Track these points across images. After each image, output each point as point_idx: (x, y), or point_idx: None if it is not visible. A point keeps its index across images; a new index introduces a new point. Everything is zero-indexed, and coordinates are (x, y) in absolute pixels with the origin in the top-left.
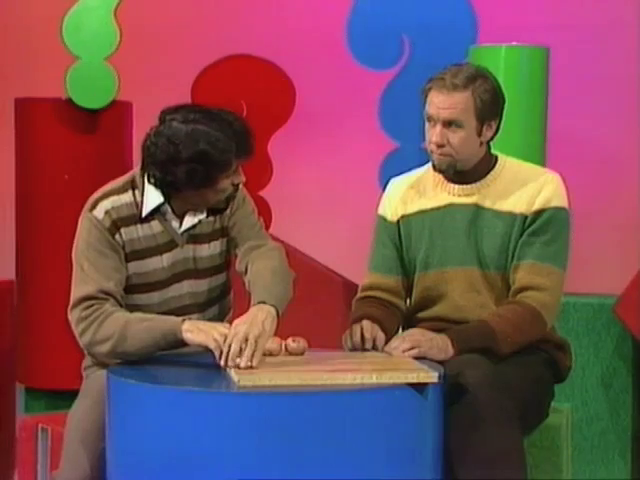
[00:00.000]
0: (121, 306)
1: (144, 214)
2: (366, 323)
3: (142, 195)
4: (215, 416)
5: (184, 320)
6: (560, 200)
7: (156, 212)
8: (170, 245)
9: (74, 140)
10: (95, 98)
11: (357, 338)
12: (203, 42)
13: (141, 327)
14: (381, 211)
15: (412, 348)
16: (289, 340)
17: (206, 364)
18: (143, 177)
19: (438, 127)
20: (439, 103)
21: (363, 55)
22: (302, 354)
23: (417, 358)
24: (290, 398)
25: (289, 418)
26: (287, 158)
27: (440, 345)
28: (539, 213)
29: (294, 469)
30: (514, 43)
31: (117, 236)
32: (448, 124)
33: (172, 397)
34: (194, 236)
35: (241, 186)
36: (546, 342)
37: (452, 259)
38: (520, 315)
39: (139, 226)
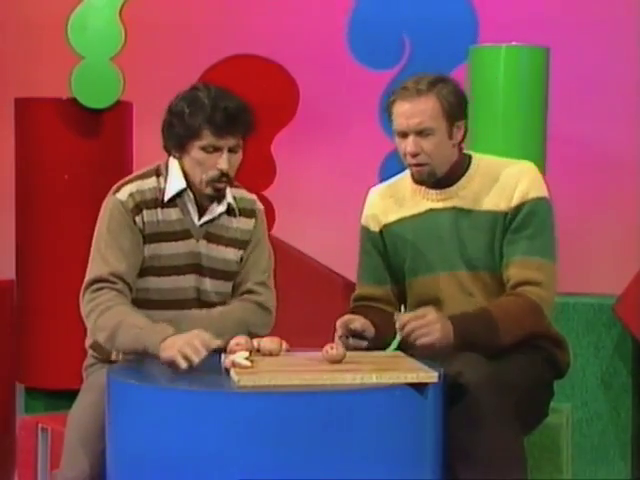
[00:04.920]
0: (130, 290)
1: (166, 198)
2: (356, 316)
3: (165, 182)
4: (215, 416)
5: (166, 338)
6: (538, 190)
7: (178, 198)
8: (185, 234)
9: (74, 140)
10: (100, 98)
11: (339, 333)
12: (207, 42)
13: (130, 333)
14: (364, 222)
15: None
16: (327, 347)
17: (206, 364)
18: (167, 164)
19: (411, 137)
20: (406, 112)
21: (363, 55)
22: (340, 361)
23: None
24: (290, 398)
25: (289, 418)
26: (286, 158)
27: (444, 334)
28: (519, 208)
29: (294, 469)
30: (514, 43)
31: (138, 218)
32: (419, 133)
33: (172, 397)
34: (214, 235)
35: (263, 221)
36: (544, 339)
37: (439, 265)
38: (521, 307)
39: (159, 210)
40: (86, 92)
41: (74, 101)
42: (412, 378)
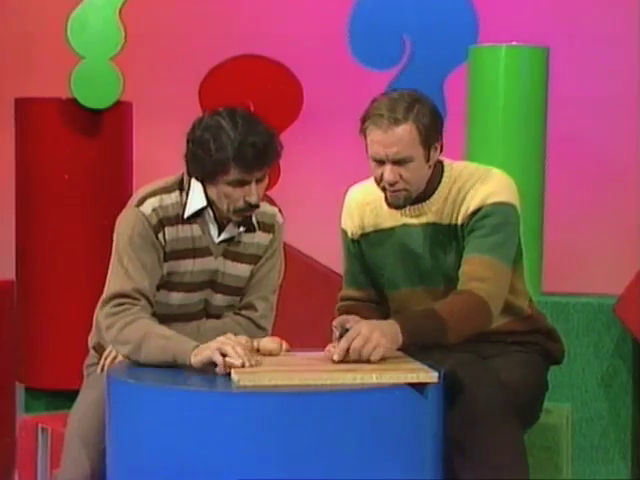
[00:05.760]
0: (151, 306)
1: (186, 215)
2: (350, 316)
3: (187, 196)
4: (215, 416)
5: (197, 346)
6: (497, 196)
7: (198, 216)
8: (204, 252)
9: (74, 140)
10: (100, 98)
11: (336, 333)
12: (208, 42)
13: (157, 344)
14: (343, 224)
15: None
16: (329, 346)
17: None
18: (190, 179)
19: (388, 166)
20: (383, 141)
21: (364, 55)
22: (344, 360)
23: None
24: (290, 398)
25: (289, 418)
26: (289, 158)
27: (389, 338)
28: (474, 213)
29: (294, 469)
30: (514, 43)
31: (160, 235)
32: (397, 161)
33: (172, 397)
34: (233, 252)
35: (280, 236)
36: (537, 333)
37: (417, 280)
38: (468, 305)
39: (180, 227)
40: (86, 92)
41: (74, 101)
42: (412, 378)
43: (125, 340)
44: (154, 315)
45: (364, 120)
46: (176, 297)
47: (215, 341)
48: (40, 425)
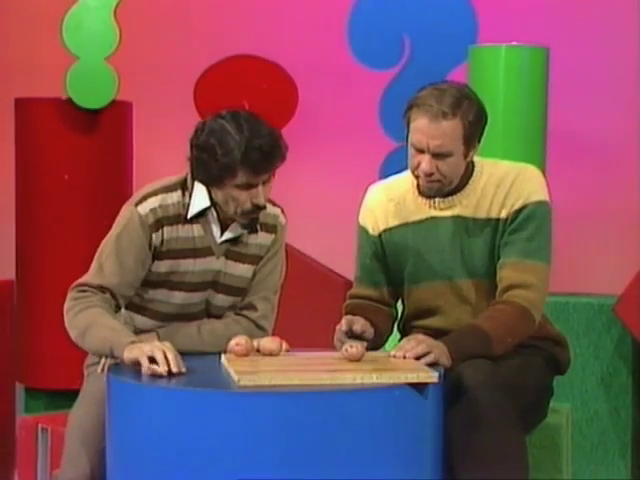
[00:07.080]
0: (116, 301)
1: (189, 215)
2: (357, 317)
3: (190, 197)
4: (215, 416)
5: (133, 342)
6: (538, 194)
7: (201, 216)
8: (206, 252)
9: (74, 140)
10: (95, 98)
11: (343, 328)
12: (204, 42)
13: (99, 334)
14: (362, 221)
15: (427, 352)
16: (346, 345)
17: (206, 364)
18: (193, 179)
19: (427, 156)
20: (428, 132)
21: (364, 55)
22: (359, 359)
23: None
24: (290, 398)
25: (289, 418)
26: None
27: (447, 352)
28: (519, 211)
29: (294, 469)
30: (514, 43)
31: (156, 235)
32: (437, 154)
33: (172, 397)
34: (235, 253)
35: (282, 236)
36: (545, 339)
37: (440, 273)
38: (510, 315)
39: (180, 226)
40: (81, 92)
41: (74, 101)
42: (412, 378)
43: (74, 326)
44: (155, 313)
45: (410, 107)
46: (177, 296)
47: (150, 343)
48: (40, 425)
